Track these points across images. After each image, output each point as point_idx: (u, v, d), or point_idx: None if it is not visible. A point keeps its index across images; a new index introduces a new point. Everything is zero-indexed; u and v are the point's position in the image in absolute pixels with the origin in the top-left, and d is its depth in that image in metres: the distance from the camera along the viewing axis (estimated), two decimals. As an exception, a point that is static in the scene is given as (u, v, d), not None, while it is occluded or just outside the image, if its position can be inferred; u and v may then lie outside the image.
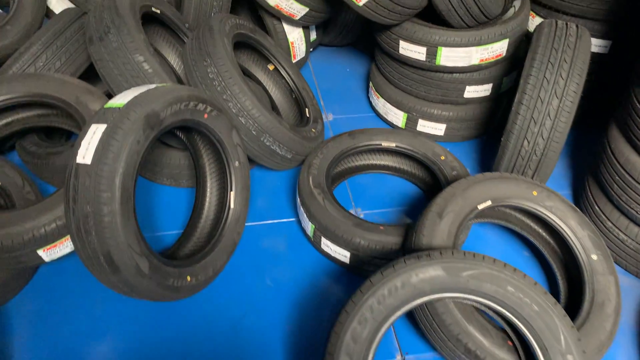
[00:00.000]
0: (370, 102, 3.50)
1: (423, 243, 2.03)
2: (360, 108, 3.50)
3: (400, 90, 3.18)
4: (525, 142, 2.46)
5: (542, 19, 3.10)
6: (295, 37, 3.22)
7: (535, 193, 2.26)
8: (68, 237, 2.05)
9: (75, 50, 2.58)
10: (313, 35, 3.53)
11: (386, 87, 3.24)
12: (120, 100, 1.95)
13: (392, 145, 2.81)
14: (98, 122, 1.89)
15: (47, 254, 2.03)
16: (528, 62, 2.45)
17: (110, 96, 2.73)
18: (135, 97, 1.95)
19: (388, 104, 3.25)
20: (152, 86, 2.07)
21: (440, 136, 3.20)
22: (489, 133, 3.28)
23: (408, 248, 2.11)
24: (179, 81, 2.94)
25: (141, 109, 1.90)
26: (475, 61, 2.84)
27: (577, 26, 2.53)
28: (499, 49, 2.83)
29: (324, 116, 3.38)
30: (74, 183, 1.83)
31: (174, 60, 3.04)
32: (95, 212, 1.78)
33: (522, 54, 3.01)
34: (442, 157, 2.72)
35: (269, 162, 2.66)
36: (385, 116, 3.32)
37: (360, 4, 2.57)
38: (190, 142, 2.49)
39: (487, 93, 3.05)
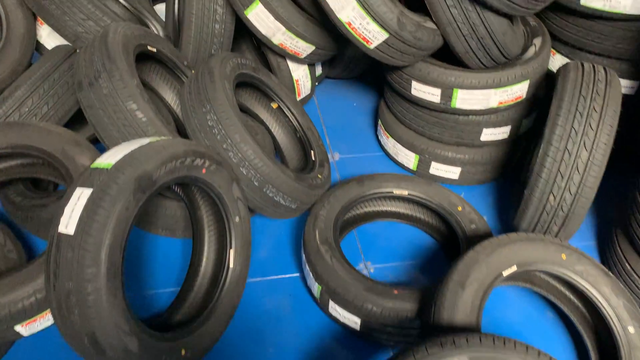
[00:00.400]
0: (379, 141, 3.31)
1: (444, 318, 1.83)
2: (368, 147, 3.31)
3: (412, 131, 2.99)
4: (551, 197, 2.26)
5: (563, 57, 2.92)
6: (300, 74, 3.04)
7: (564, 256, 2.06)
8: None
9: (64, 93, 2.39)
10: (318, 70, 3.35)
11: (396, 127, 3.05)
12: (108, 159, 1.76)
13: (405, 193, 2.62)
14: (83, 185, 1.70)
15: (25, 329, 1.83)
16: (554, 110, 2.27)
17: (96, 141, 2.55)
18: (125, 156, 1.76)
19: (398, 145, 3.06)
20: (145, 141, 1.88)
21: (455, 179, 3.01)
22: (506, 176, 3.09)
23: (427, 322, 1.91)
24: (177, 123, 2.75)
25: (131, 171, 1.71)
26: (493, 104, 2.65)
27: (605, 69, 2.35)
28: (519, 90, 2.65)
29: (329, 156, 3.19)
30: (55, 255, 1.63)
31: (171, 99, 2.86)
32: (79, 289, 1.58)
33: (542, 95, 2.83)
34: (459, 208, 2.53)
35: (272, 213, 2.46)
36: (395, 157, 3.13)
37: (372, 47, 2.39)
38: (186, 195, 2.29)
39: (505, 136, 2.86)
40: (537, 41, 2.74)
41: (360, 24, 2.29)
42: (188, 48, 2.86)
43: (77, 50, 2.63)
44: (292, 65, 2.98)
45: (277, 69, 2.99)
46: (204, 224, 2.33)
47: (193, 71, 2.78)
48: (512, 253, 2.02)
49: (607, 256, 2.54)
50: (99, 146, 2.36)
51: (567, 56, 2.89)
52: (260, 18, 2.64)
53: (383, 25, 2.26)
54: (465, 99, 2.64)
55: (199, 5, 2.76)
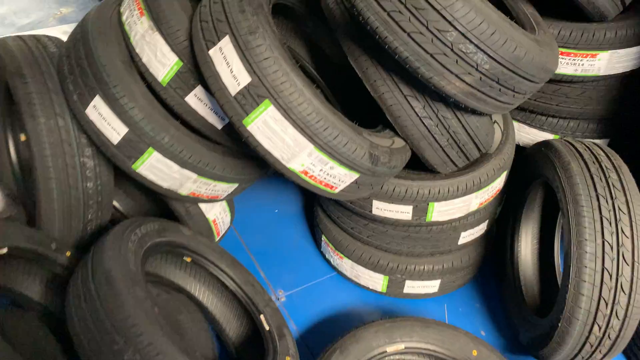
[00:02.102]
0: (326, 259, 2.67)
1: None
2: (316, 269, 2.66)
3: (374, 248, 2.40)
4: (596, 327, 1.80)
5: (519, 123, 2.51)
6: (217, 212, 2.30)
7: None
8: None
9: None
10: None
11: (351, 245, 2.43)
12: None
13: (401, 347, 2.01)
14: None
15: None
16: (572, 224, 1.81)
17: None
18: None
19: (359, 267, 2.45)
20: None
21: (434, 292, 2.47)
22: (481, 270, 2.62)
23: None
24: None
25: None
26: (474, 207, 2.16)
27: (603, 151, 1.96)
28: (498, 184, 2.18)
29: (273, 296, 2.49)
30: None
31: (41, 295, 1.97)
32: None
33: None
34: (475, 353, 1.98)
35: None
36: (356, 279, 2.52)
37: (337, 191, 1.75)
38: None
39: (482, 232, 2.39)
40: (497, 117, 2.29)
41: (322, 169, 1.65)
42: (52, 221, 1.98)
43: None
44: (205, 206, 2.23)
45: (186, 215, 2.21)
46: None
47: (68, 253, 1.94)
48: None
49: None
50: None
51: (523, 122, 2.50)
52: (158, 169, 1.86)
53: (353, 167, 1.64)
54: (443, 211, 2.11)
55: (57, 162, 1.91)
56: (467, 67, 1.54)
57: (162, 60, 1.80)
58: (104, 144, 1.85)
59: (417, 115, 1.75)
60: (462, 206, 2.11)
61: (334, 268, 2.62)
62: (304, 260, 2.70)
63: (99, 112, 1.80)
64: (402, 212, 2.11)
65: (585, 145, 2.03)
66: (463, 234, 2.31)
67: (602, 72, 2.12)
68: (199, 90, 1.82)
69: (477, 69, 1.55)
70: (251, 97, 1.55)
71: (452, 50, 1.51)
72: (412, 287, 2.43)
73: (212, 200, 2.12)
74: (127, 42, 1.88)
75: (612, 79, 2.23)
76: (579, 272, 1.78)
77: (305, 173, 1.66)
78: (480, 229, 2.36)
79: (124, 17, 1.91)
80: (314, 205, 2.69)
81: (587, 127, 2.39)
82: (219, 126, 1.89)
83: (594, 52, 2.11)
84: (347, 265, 2.51)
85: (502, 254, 2.54)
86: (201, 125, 1.90)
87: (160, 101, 1.89)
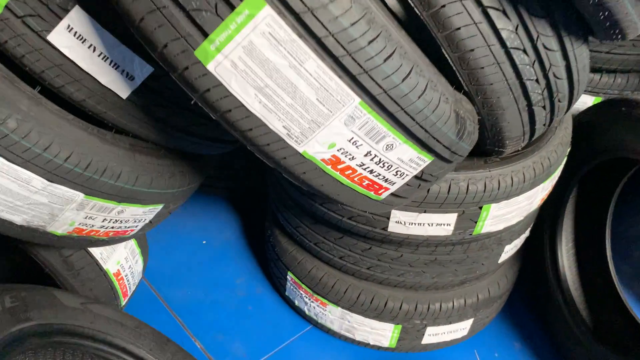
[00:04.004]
0: (289, 303, 1.79)
1: None
2: (280, 324, 1.76)
3: (378, 284, 1.57)
4: None
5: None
6: (121, 257, 1.33)
7: None
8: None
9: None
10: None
11: (341, 284, 1.58)
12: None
13: None
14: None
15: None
16: None
17: None
18: None
19: (354, 315, 1.60)
20: None
21: (463, 337, 1.70)
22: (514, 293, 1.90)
23: None
24: None
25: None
26: (535, 206, 1.43)
27: None
28: (560, 170, 1.47)
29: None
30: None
31: None
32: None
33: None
34: None
35: None
36: (349, 335, 1.67)
37: (383, 196, 0.91)
38: None
39: (523, 241, 1.67)
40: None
41: (370, 151, 0.79)
42: None
43: None
44: (101, 251, 1.25)
45: (66, 270, 1.22)
46: None
47: None
48: None
49: None
50: None
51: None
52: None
53: (427, 141, 0.81)
54: (500, 216, 1.34)
55: None
56: None
57: (-13, -45, 0.85)
58: None
59: (504, 44, 0.96)
60: (524, 205, 1.37)
61: (309, 320, 1.74)
62: (260, 313, 1.79)
63: None
64: (440, 225, 1.31)
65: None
66: (507, 247, 1.57)
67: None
68: (76, 16, 0.88)
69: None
70: (216, -8, 0.66)
71: None
72: (435, 334, 1.64)
73: (113, 240, 1.16)
74: None
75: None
76: None
77: (334, 163, 0.79)
78: (523, 237, 1.64)
79: None
80: (267, 226, 1.80)
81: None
82: (125, 92, 0.95)
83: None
84: (333, 315, 1.65)
85: (539, 267, 1.84)
86: (86, 95, 0.96)
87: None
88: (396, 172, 0.85)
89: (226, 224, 2.11)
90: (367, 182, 0.85)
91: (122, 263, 1.34)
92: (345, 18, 0.67)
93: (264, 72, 0.70)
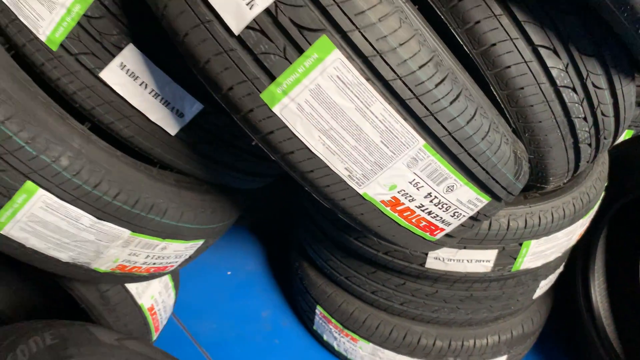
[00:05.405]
0: (317, 337, 1.76)
1: None
2: (306, 356, 1.73)
3: (411, 320, 1.54)
4: None
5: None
6: (155, 291, 1.31)
7: None
8: None
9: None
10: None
11: (373, 319, 1.56)
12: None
13: None
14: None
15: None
16: None
17: None
18: None
19: (386, 352, 1.57)
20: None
21: (496, 375, 1.67)
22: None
23: None
24: None
25: None
26: (573, 241, 1.41)
27: None
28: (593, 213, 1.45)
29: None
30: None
31: None
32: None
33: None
34: None
35: None
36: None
37: (438, 236, 0.89)
38: None
39: (557, 276, 1.64)
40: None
41: (430, 193, 0.78)
42: None
43: None
44: (136, 288, 1.23)
45: (102, 305, 1.21)
46: None
47: None
48: None
49: None
50: None
51: None
52: (47, 226, 0.88)
53: (487, 182, 0.80)
54: (539, 252, 1.32)
55: None
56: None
57: (45, -4, 0.86)
58: None
59: (554, 83, 0.96)
60: (563, 241, 1.35)
61: (338, 356, 1.71)
62: (287, 347, 1.76)
63: None
64: (479, 262, 1.29)
65: None
66: (542, 283, 1.54)
67: None
68: (129, 54, 0.89)
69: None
70: (285, 36, 0.66)
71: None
72: (468, 373, 1.60)
73: (153, 276, 1.15)
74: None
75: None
76: None
77: (394, 204, 0.78)
78: (557, 272, 1.62)
79: None
80: (294, 258, 1.78)
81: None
82: (174, 129, 0.95)
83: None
84: (364, 351, 1.62)
85: (571, 302, 1.81)
86: (134, 131, 0.96)
87: (44, 84, 0.94)
88: (454, 213, 0.84)
89: (249, 254, 2.09)
90: (424, 223, 0.83)
91: (156, 297, 1.32)
92: (413, 61, 0.67)
93: (329, 114, 0.70)
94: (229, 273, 2.01)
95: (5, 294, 1.58)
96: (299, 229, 1.72)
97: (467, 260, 1.29)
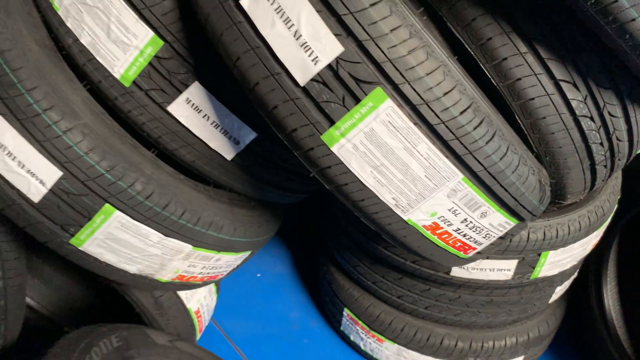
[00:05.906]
0: (344, 338, 1.87)
1: None
2: (336, 357, 1.85)
3: (434, 323, 1.65)
4: None
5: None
6: (201, 296, 1.43)
7: None
8: None
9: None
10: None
11: (398, 321, 1.66)
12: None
13: None
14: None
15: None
16: None
17: None
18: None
19: (410, 352, 1.68)
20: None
21: (512, 375, 1.77)
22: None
23: None
24: None
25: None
26: (588, 251, 1.51)
27: None
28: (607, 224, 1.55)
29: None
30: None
31: None
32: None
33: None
34: None
35: None
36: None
37: (470, 254, 1.00)
38: None
39: (572, 281, 1.74)
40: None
41: (467, 218, 0.89)
42: None
43: None
44: (185, 294, 1.35)
45: (156, 309, 1.32)
46: None
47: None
48: None
49: None
50: None
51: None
52: (120, 243, 1.00)
53: (515, 208, 0.90)
54: (556, 262, 1.43)
55: None
56: None
57: (121, 39, 0.97)
58: (12, 204, 0.95)
59: (573, 112, 1.06)
60: (579, 251, 1.45)
61: (364, 355, 1.82)
62: (316, 346, 1.88)
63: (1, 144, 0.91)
64: (500, 271, 1.40)
65: None
66: (558, 288, 1.64)
67: None
68: (195, 91, 1.00)
69: None
70: (344, 87, 0.77)
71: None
72: (486, 371, 1.71)
73: (205, 283, 1.27)
74: (46, 11, 1.02)
75: None
76: None
77: (434, 228, 0.89)
78: (572, 278, 1.72)
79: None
80: (322, 262, 1.89)
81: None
82: (230, 155, 1.06)
83: None
84: (389, 351, 1.73)
85: (585, 305, 1.91)
86: (195, 157, 1.07)
87: (117, 117, 1.05)
88: (485, 235, 0.94)
89: (278, 257, 2.20)
90: (459, 244, 0.94)
91: (202, 301, 1.44)
92: (455, 108, 0.78)
93: (380, 153, 0.80)
94: (258, 275, 2.12)
95: (52, 296, 1.70)
96: (327, 235, 1.83)
97: (489, 269, 1.39)
